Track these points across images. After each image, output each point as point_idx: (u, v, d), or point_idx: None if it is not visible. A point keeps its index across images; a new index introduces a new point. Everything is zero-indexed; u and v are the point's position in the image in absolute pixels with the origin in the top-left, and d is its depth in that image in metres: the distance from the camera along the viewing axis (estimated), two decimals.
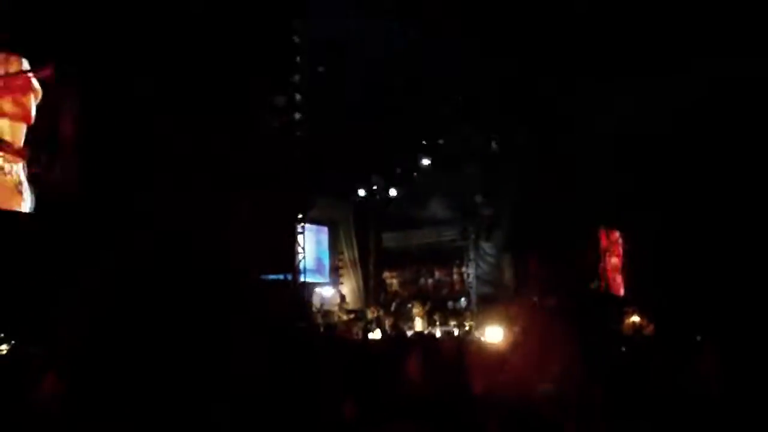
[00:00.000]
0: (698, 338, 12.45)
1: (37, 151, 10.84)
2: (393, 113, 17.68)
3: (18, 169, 10.68)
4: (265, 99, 14.19)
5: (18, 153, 10.71)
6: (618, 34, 14.50)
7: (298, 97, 15.60)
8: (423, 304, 19.46)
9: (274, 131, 14.57)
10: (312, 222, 18.26)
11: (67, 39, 10.94)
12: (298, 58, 15.41)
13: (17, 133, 10.73)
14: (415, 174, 20.70)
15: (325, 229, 20.72)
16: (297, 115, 15.61)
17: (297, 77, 15.54)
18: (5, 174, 10.52)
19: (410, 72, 16.52)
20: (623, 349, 11.16)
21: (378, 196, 21.42)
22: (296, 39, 15.20)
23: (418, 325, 18.45)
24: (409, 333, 17.22)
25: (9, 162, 10.59)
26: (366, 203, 21.60)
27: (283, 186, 14.49)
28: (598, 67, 15.04)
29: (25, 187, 10.72)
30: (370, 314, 19.08)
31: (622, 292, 20.32)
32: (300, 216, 15.93)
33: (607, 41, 14.62)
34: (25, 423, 4.76)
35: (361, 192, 21.11)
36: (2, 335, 8.84)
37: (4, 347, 8.76)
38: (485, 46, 15.16)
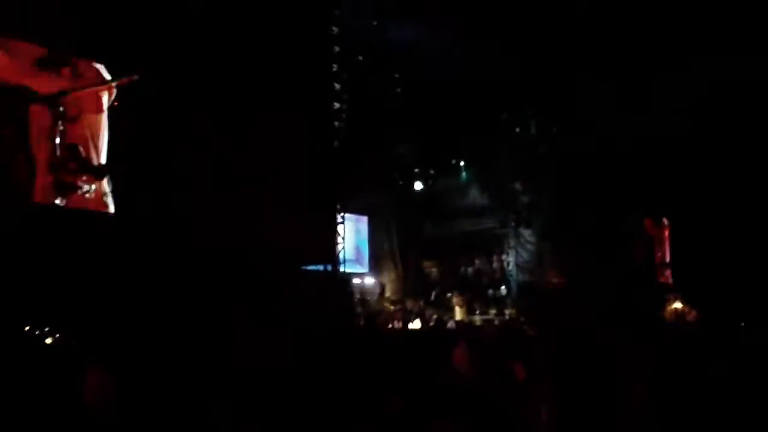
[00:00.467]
0: (743, 324, 12.32)
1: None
2: (431, 104, 17.63)
3: (102, 184, 10.88)
4: (303, 89, 14.21)
5: (101, 172, 10.87)
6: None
7: (337, 86, 15.61)
8: (463, 294, 19.42)
9: (313, 121, 14.59)
10: (351, 212, 18.30)
11: (142, 46, 11.12)
12: (336, 48, 15.41)
13: (99, 151, 10.86)
14: (453, 163, 20.66)
15: (365, 219, 20.76)
16: (336, 105, 15.63)
17: (335, 66, 15.55)
18: (88, 193, 10.71)
19: (447, 64, 16.46)
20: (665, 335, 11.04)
21: (417, 186, 21.42)
22: (334, 29, 15.21)
23: (458, 314, 18.39)
24: (450, 323, 17.21)
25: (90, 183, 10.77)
26: (405, 193, 21.60)
27: (322, 176, 14.52)
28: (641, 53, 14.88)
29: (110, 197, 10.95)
30: (410, 304, 19.08)
31: (666, 279, 20.11)
32: (339, 206, 15.96)
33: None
34: (69, 417, 4.81)
35: (401, 182, 21.11)
36: (47, 329, 8.97)
37: (49, 340, 8.88)
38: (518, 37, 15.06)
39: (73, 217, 11.76)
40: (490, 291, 20.52)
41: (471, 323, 17.53)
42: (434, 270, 22.41)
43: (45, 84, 9.36)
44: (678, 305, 17.40)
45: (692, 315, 16.39)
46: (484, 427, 4.42)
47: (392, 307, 18.72)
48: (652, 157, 16.50)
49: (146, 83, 11.71)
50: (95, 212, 11.92)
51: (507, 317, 18.32)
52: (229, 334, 8.50)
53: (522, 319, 16.84)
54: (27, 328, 8.71)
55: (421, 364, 5.26)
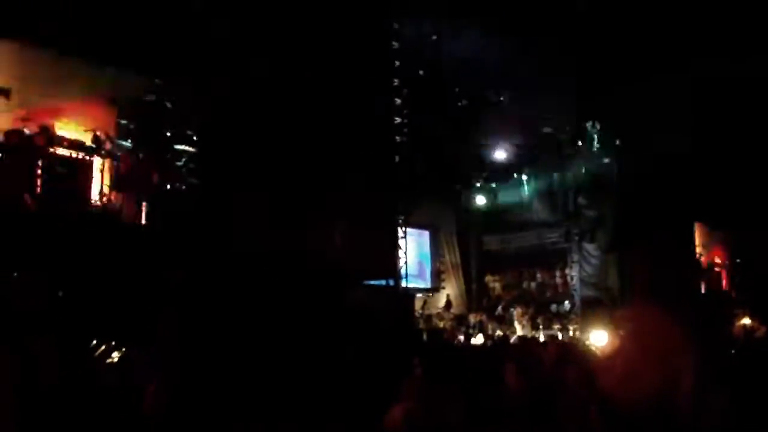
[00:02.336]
0: None
1: None
2: (492, 117, 17.64)
3: None
4: (365, 104, 14.32)
5: None
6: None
7: (398, 101, 15.70)
8: (525, 308, 19.28)
9: (375, 136, 14.68)
10: (413, 226, 18.34)
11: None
12: (396, 62, 15.51)
13: None
14: (515, 175, 20.58)
15: (427, 233, 20.78)
16: (397, 119, 15.71)
17: (396, 80, 15.64)
18: None
19: (508, 77, 16.45)
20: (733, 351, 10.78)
21: (480, 200, 21.40)
22: (395, 43, 15.31)
23: (519, 330, 18.24)
24: (513, 338, 17.10)
25: None
26: (467, 207, 21.58)
27: (384, 190, 14.60)
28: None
29: None
30: (473, 319, 19.01)
31: (730, 292, 19.72)
32: (401, 220, 16.00)
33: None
34: (134, 427, 4.92)
35: (463, 196, 21.12)
36: (113, 342, 9.16)
37: (116, 355, 9.07)
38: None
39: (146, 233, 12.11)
40: (554, 306, 20.29)
41: (534, 339, 17.38)
42: (497, 284, 22.29)
43: None
44: (747, 321, 17.02)
45: (762, 331, 15.99)
46: None
47: (455, 322, 18.68)
48: (716, 169, 16.22)
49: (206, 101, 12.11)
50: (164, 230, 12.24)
51: (571, 332, 18.12)
52: (290, 346, 8.61)
53: (586, 335, 16.67)
54: (94, 342, 8.97)
55: (482, 379, 5.26)
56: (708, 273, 19.70)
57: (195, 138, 13.33)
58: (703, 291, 18.87)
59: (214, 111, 12.27)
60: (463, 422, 4.75)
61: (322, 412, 5.71)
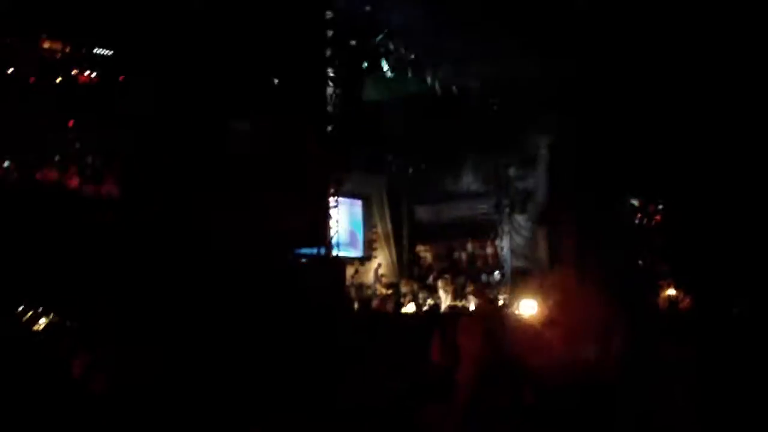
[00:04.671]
0: (736, 311, 12.33)
1: None
2: (425, 86, 17.62)
3: None
4: (297, 74, 14.18)
5: None
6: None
7: (330, 72, 15.57)
8: (451, 278, 19.40)
9: (307, 105, 14.57)
10: (346, 195, 18.29)
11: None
12: (330, 32, 15.36)
13: None
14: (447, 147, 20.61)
15: (359, 203, 20.75)
16: (330, 89, 15.59)
17: (329, 51, 15.50)
18: None
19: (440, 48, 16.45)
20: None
21: (411, 170, 21.40)
22: (329, 13, 15.14)
23: (443, 299, 18.36)
24: (443, 307, 17.27)
25: None
26: (399, 176, 21.58)
27: (316, 160, 14.52)
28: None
29: None
30: (404, 288, 19.09)
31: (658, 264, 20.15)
32: (333, 189, 15.94)
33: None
34: (59, 398, 4.81)
35: (394, 165, 21.09)
36: (40, 309, 9.01)
37: (43, 321, 8.93)
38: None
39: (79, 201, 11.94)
40: (484, 276, 20.52)
41: (464, 308, 17.56)
42: (428, 254, 22.38)
43: None
44: (672, 291, 17.43)
45: (686, 302, 16.42)
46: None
47: (386, 291, 18.73)
48: (646, 140, 16.46)
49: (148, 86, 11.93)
50: (102, 199, 12.05)
51: (501, 302, 18.34)
52: (221, 317, 8.54)
53: (515, 304, 16.88)
54: (21, 308, 8.77)
55: (414, 348, 5.26)
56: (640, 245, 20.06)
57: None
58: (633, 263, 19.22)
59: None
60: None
61: (251, 380, 5.66)
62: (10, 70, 12.39)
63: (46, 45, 13.00)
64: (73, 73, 13.21)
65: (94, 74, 13.31)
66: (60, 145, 12.80)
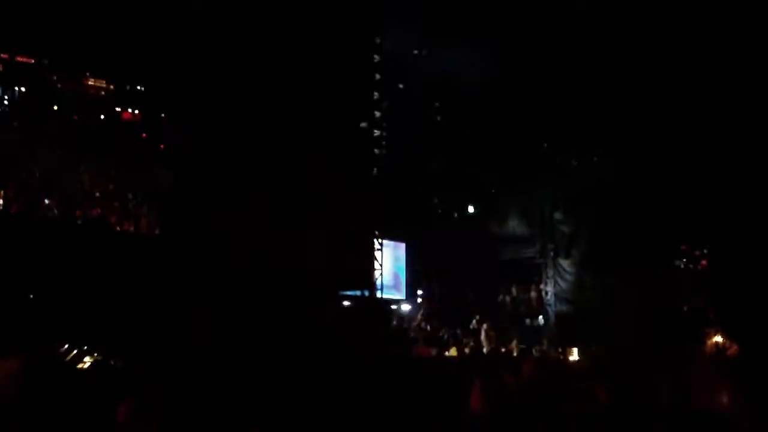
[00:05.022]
0: None
1: None
2: (470, 131, 17.73)
3: None
4: (344, 116, 14.37)
5: None
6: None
7: (377, 114, 15.75)
8: (495, 323, 19.29)
9: (354, 148, 14.73)
10: (389, 238, 18.38)
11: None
12: (377, 76, 15.57)
13: None
14: (492, 191, 20.65)
15: (403, 245, 20.80)
16: (376, 132, 15.76)
17: (376, 94, 15.69)
18: None
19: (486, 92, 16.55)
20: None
21: (456, 213, 21.45)
22: (376, 57, 15.37)
23: (485, 343, 18.23)
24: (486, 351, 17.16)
25: None
26: (443, 220, 21.63)
27: (360, 203, 14.64)
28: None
29: None
30: (446, 332, 19.03)
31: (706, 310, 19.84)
32: (377, 232, 16.03)
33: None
34: None
35: (440, 209, 21.18)
36: (86, 348, 9.13)
37: (88, 360, 9.04)
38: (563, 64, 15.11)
39: (116, 237, 12.16)
40: (528, 320, 20.39)
41: (509, 352, 17.45)
42: (471, 297, 22.30)
43: None
44: (719, 339, 17.15)
45: (733, 350, 16.14)
46: None
47: (429, 334, 18.68)
48: (692, 189, 16.34)
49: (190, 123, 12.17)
50: (139, 234, 12.30)
51: (544, 347, 18.18)
52: (273, 356, 8.61)
53: (560, 350, 16.75)
54: (65, 347, 8.91)
55: (455, 393, 5.27)
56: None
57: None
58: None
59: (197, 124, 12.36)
60: None
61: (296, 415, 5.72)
62: (55, 107, 12.78)
63: (90, 82, 13.37)
64: (116, 110, 13.58)
65: (136, 111, 13.67)
66: (99, 182, 13.12)
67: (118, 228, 12.62)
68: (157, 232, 12.51)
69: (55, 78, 12.74)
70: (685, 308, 18.77)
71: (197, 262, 11.02)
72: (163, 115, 13.52)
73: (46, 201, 12.30)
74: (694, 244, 19.37)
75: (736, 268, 17.15)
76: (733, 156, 15.72)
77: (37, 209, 12.03)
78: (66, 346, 8.99)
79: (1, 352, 5.66)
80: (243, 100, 12.38)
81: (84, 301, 9.91)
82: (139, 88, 13.58)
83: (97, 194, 13.06)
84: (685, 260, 19.30)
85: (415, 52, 16.22)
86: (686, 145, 15.52)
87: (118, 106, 13.63)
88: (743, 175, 15.80)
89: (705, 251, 19.28)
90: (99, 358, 9.07)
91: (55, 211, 12.25)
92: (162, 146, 13.39)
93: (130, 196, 13.21)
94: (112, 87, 13.48)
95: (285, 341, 9.42)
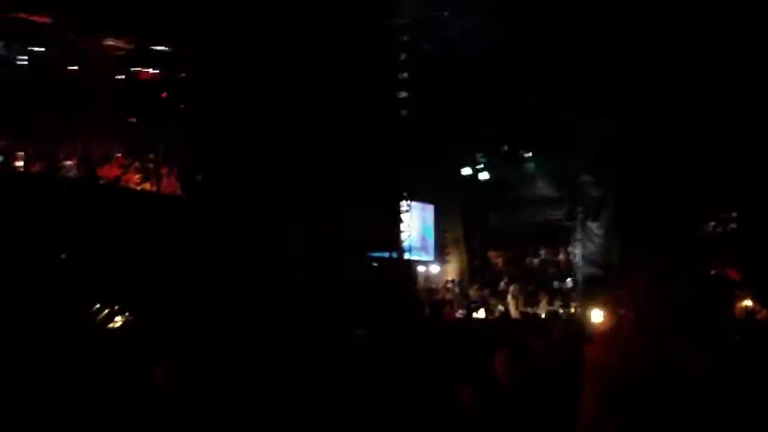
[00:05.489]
0: None
1: None
2: (497, 95, 17.55)
3: None
4: (372, 79, 14.30)
5: None
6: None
7: (404, 75, 15.67)
8: (522, 285, 19.32)
9: (382, 111, 14.68)
10: (418, 200, 18.38)
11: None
12: (405, 37, 15.46)
13: None
14: (522, 153, 20.49)
15: (431, 207, 20.79)
16: (403, 94, 15.70)
17: (403, 55, 15.59)
18: None
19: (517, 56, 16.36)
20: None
21: (485, 175, 21.36)
22: (404, 20, 15.26)
23: (512, 306, 18.25)
24: (514, 314, 17.18)
25: None
26: (472, 182, 21.56)
27: (389, 165, 14.63)
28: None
29: None
30: (474, 293, 19.08)
31: (735, 274, 19.64)
32: (406, 194, 16.03)
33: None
34: (141, 400, 4.87)
35: (468, 170, 21.08)
36: (117, 307, 9.22)
37: (119, 319, 9.14)
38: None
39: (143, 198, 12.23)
40: (556, 283, 20.36)
41: (536, 315, 17.45)
42: (500, 260, 22.32)
43: None
44: (748, 302, 17.01)
45: (764, 314, 16.01)
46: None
47: (456, 296, 18.75)
48: (721, 151, 16.10)
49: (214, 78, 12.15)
50: (167, 195, 12.37)
51: (573, 310, 18.16)
52: (300, 318, 8.68)
53: (587, 313, 16.69)
54: (97, 306, 9.02)
55: (481, 357, 5.27)
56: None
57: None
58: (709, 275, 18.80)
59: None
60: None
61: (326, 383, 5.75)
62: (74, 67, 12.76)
63: (109, 42, 13.35)
64: (134, 70, 13.55)
65: (155, 71, 13.62)
66: (121, 142, 13.15)
67: (139, 188, 12.67)
68: (179, 192, 12.56)
69: (72, 38, 12.69)
70: (713, 272, 18.61)
71: (223, 223, 11.09)
72: (183, 75, 13.45)
73: (67, 162, 12.33)
74: (723, 208, 19.13)
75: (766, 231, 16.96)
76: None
77: (58, 170, 12.09)
78: (97, 306, 9.10)
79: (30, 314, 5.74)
80: (262, 63, 12.35)
81: (109, 262, 9.99)
82: (158, 48, 13.48)
83: (118, 155, 13.08)
84: (714, 224, 19.06)
85: (445, 13, 16.01)
86: (714, 106, 15.25)
87: (137, 66, 13.57)
88: None
89: (734, 214, 19.04)
90: (130, 318, 9.18)
91: (76, 172, 12.28)
92: (182, 106, 13.32)
93: (151, 156, 13.19)
94: (131, 47, 13.39)
95: (312, 305, 9.48)
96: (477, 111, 18.60)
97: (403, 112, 15.76)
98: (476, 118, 18.95)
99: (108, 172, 12.60)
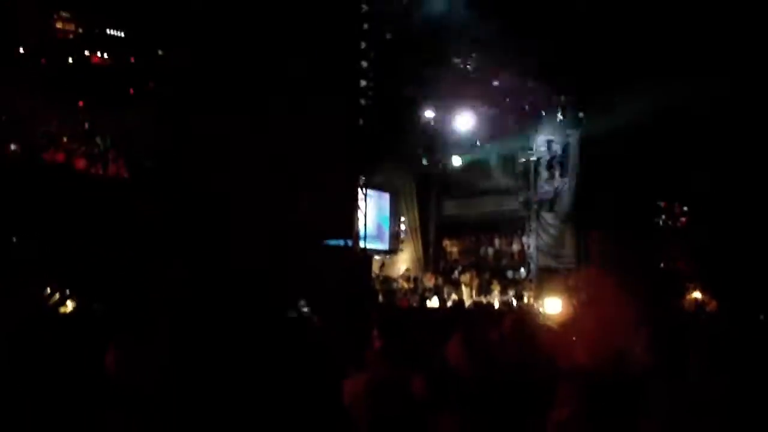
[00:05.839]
0: (763, 317, 12.16)
1: None
2: (456, 81, 17.52)
3: None
4: (331, 66, 14.17)
5: None
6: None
7: (364, 64, 15.56)
8: (477, 273, 19.42)
9: (339, 98, 14.56)
10: (374, 188, 18.32)
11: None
12: (365, 25, 15.34)
13: None
14: (477, 143, 20.51)
15: (387, 196, 20.79)
16: (363, 82, 15.59)
17: (364, 44, 15.47)
18: None
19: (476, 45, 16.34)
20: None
21: (440, 164, 21.38)
22: (364, 7, 15.12)
23: (465, 294, 18.35)
24: (468, 302, 17.24)
25: None
26: (428, 171, 21.58)
27: (345, 153, 14.53)
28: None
29: None
30: (428, 282, 19.11)
31: (685, 267, 19.93)
32: (362, 182, 15.96)
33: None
34: (87, 382, 4.77)
35: (424, 160, 21.09)
36: (68, 292, 9.08)
37: (70, 304, 8.99)
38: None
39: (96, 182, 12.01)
40: (510, 273, 20.47)
41: (489, 305, 17.54)
42: (454, 249, 22.39)
43: None
44: (698, 294, 17.26)
45: (712, 305, 16.25)
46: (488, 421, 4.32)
47: (410, 285, 18.76)
48: (675, 143, 16.28)
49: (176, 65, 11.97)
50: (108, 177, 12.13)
51: (526, 300, 18.29)
52: (246, 303, 8.58)
53: (540, 302, 16.82)
54: (47, 291, 8.85)
55: (435, 345, 5.24)
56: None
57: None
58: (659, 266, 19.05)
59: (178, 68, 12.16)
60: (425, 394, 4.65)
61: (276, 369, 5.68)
62: (21, 49, 12.42)
63: (59, 25, 13.03)
64: (85, 53, 13.25)
65: (105, 56, 13.35)
66: (68, 126, 12.85)
67: (85, 171, 12.39)
68: (126, 175, 12.34)
69: (21, 19, 12.35)
70: (662, 265, 18.89)
71: (175, 208, 10.93)
72: (132, 59, 13.20)
73: (12, 146, 11.98)
74: (674, 201, 19.40)
75: (716, 225, 17.20)
76: (714, 112, 15.63)
77: (3, 153, 11.77)
78: (48, 290, 8.95)
79: None
80: (224, 49, 12.19)
81: (56, 246, 9.81)
82: (109, 31, 13.19)
83: (65, 139, 12.76)
84: (664, 217, 19.32)
85: (404, 1, 15.89)
86: (668, 99, 15.37)
87: (88, 50, 13.27)
88: (725, 131, 15.75)
89: (685, 208, 19.31)
90: (81, 302, 9.03)
91: (22, 156, 11.96)
92: (131, 91, 13.08)
93: (98, 140, 12.92)
94: (81, 30, 13.07)
95: (264, 292, 9.38)
96: (437, 99, 18.60)
97: (362, 101, 15.65)
98: (436, 106, 18.96)
99: (53, 155, 12.30)
